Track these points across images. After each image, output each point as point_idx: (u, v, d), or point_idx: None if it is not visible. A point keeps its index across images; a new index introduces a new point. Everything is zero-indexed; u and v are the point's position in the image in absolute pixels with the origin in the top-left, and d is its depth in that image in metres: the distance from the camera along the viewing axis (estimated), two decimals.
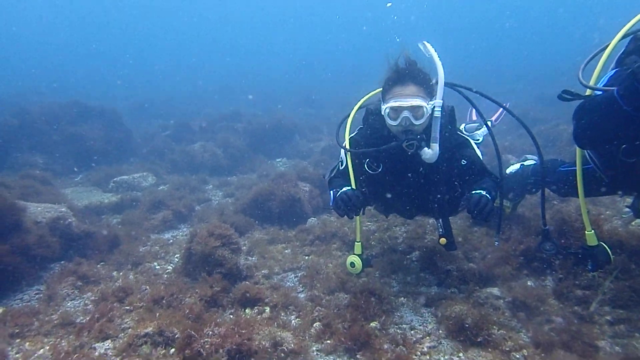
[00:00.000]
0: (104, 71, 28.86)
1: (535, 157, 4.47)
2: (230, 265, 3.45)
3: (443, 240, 2.96)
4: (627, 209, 3.05)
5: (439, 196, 3.00)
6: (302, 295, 3.36)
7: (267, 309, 3.13)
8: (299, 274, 3.73)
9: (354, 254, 3.05)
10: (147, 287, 3.47)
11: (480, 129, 4.35)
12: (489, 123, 3.35)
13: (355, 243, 3.09)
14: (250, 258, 4.17)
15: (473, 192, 2.57)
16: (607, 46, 2.40)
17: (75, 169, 7.93)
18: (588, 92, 2.43)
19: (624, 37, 2.35)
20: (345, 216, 2.78)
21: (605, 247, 2.60)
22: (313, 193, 5.37)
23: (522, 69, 22.60)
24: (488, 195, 2.51)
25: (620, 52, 2.47)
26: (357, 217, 3.01)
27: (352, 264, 3.01)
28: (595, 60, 2.51)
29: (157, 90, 20.69)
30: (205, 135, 9.99)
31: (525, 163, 4.04)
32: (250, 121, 10.26)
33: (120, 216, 5.59)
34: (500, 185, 2.86)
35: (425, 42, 2.84)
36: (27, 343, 2.64)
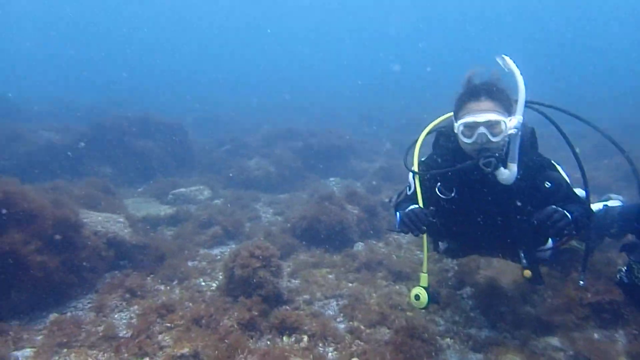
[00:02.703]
0: (179, 84, 31.25)
1: (621, 197, 3.93)
2: (270, 288, 3.40)
3: (527, 273, 2.61)
4: None
5: (520, 223, 2.64)
6: (342, 326, 3.23)
7: (305, 338, 3.04)
8: (341, 302, 3.61)
9: (420, 286, 2.63)
10: (190, 304, 3.52)
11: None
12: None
13: (421, 274, 2.67)
14: (293, 281, 4.11)
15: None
16: None
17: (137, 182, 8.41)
18: None
19: None
20: (411, 233, 2.48)
21: None
22: (361, 217, 5.24)
23: (606, 91, 21.03)
24: (566, 213, 2.22)
25: None
26: (425, 247, 2.73)
27: (417, 297, 2.59)
28: None
29: (222, 105, 21.67)
30: (261, 151, 10.21)
31: (609, 204, 3.52)
32: (305, 139, 10.35)
33: (175, 228, 5.79)
34: (590, 215, 2.53)
35: (504, 56, 2.63)
36: (73, 354, 2.72)
